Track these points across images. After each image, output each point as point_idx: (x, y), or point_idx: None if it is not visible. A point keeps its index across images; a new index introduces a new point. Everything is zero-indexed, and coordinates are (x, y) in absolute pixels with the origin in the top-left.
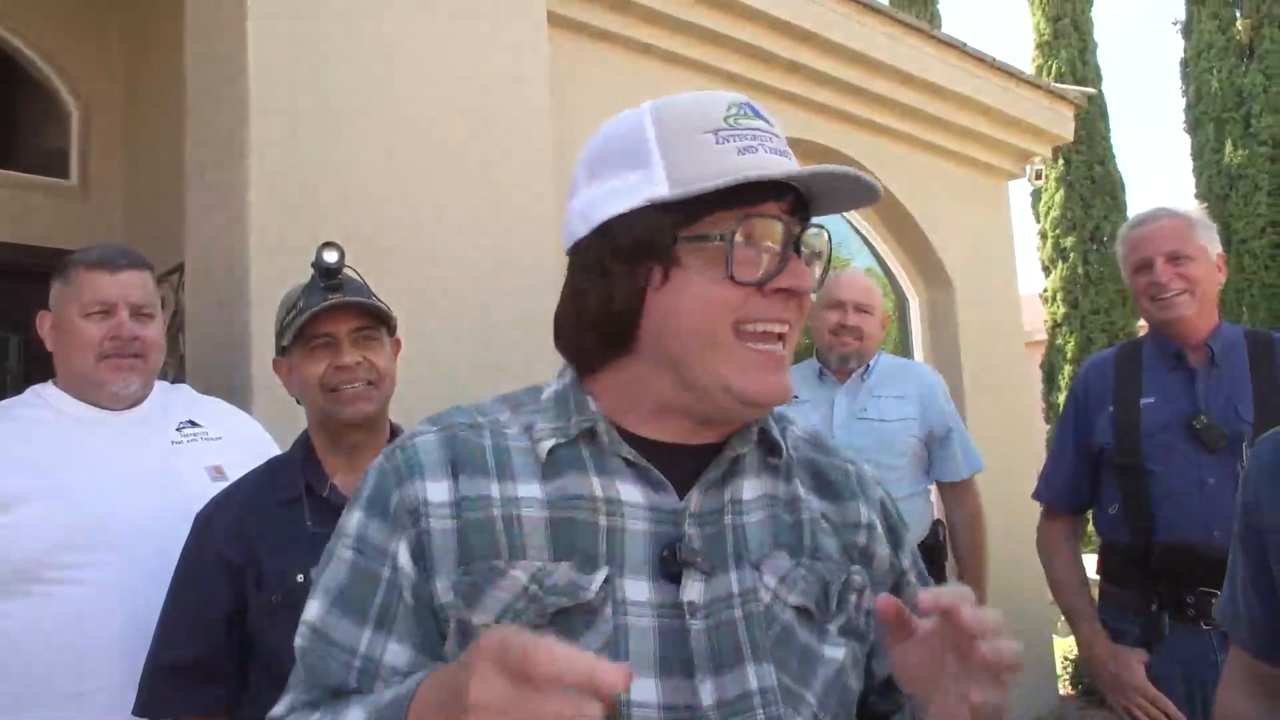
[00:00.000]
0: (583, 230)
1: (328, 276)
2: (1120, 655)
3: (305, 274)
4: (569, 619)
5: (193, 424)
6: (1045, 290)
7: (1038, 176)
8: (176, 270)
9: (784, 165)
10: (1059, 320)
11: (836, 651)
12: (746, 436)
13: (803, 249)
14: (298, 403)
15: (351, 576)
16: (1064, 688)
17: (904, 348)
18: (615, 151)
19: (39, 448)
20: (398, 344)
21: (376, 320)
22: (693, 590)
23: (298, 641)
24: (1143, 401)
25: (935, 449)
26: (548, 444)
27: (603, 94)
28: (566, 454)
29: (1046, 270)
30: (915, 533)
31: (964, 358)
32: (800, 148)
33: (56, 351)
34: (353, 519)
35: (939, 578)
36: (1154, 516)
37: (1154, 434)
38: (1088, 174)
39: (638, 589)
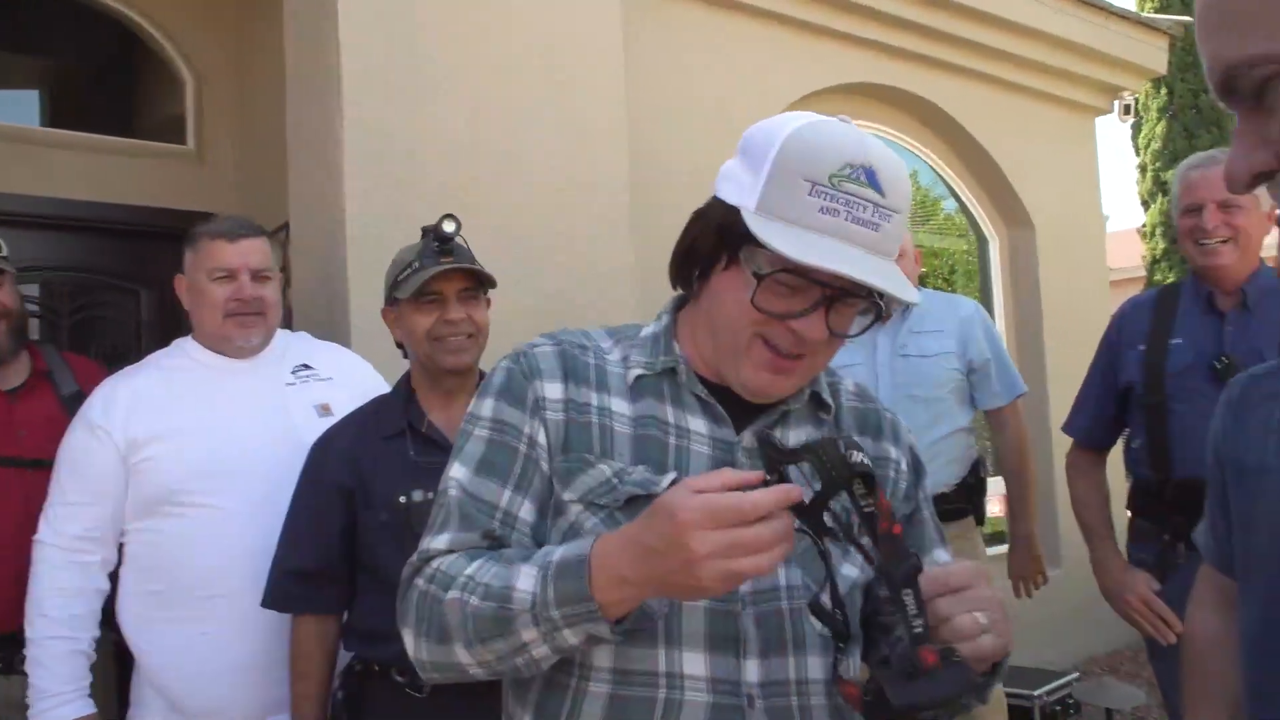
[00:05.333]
0: (718, 188)
1: (443, 242)
2: (1129, 570)
3: (397, 231)
4: (637, 508)
5: (306, 367)
6: (1144, 225)
7: (1126, 111)
8: (282, 229)
9: (837, 253)
10: (1158, 256)
11: (851, 570)
12: (799, 395)
13: (846, 302)
14: (398, 346)
15: (490, 449)
16: None
17: (984, 288)
18: (751, 148)
19: (177, 392)
20: (489, 303)
21: (479, 282)
22: None
23: (451, 492)
24: (1171, 342)
25: (975, 379)
26: (636, 372)
27: (674, 46)
28: (651, 384)
29: (1145, 204)
30: (957, 470)
31: (1044, 297)
32: (879, 93)
33: (191, 310)
34: (486, 405)
35: (978, 514)
36: (1172, 454)
37: (1178, 373)
38: (1192, 103)
39: None
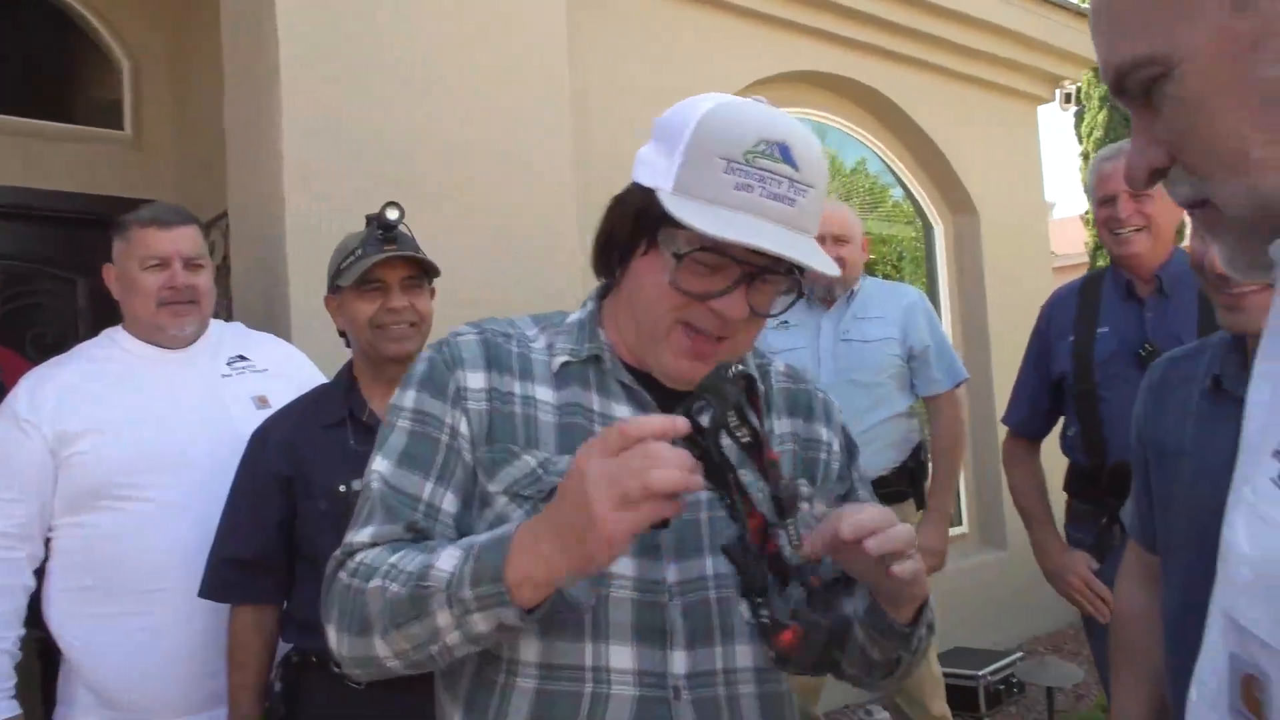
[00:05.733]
0: (635, 173)
1: (386, 230)
2: (1068, 551)
3: (337, 221)
4: None
5: (242, 358)
6: (1087, 212)
7: (1068, 100)
8: (223, 216)
9: (753, 229)
10: (1099, 243)
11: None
12: None
13: (765, 280)
14: (340, 335)
15: (411, 441)
16: None
17: (929, 274)
18: (665, 131)
19: (109, 384)
20: (433, 292)
21: (423, 271)
22: None
23: (374, 485)
24: (1098, 331)
25: (915, 365)
26: (561, 359)
27: (619, 33)
28: (576, 371)
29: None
30: (895, 454)
31: (988, 283)
32: (825, 81)
33: (122, 300)
34: (408, 396)
35: (919, 499)
36: (1106, 440)
37: (1106, 362)
38: None
39: None
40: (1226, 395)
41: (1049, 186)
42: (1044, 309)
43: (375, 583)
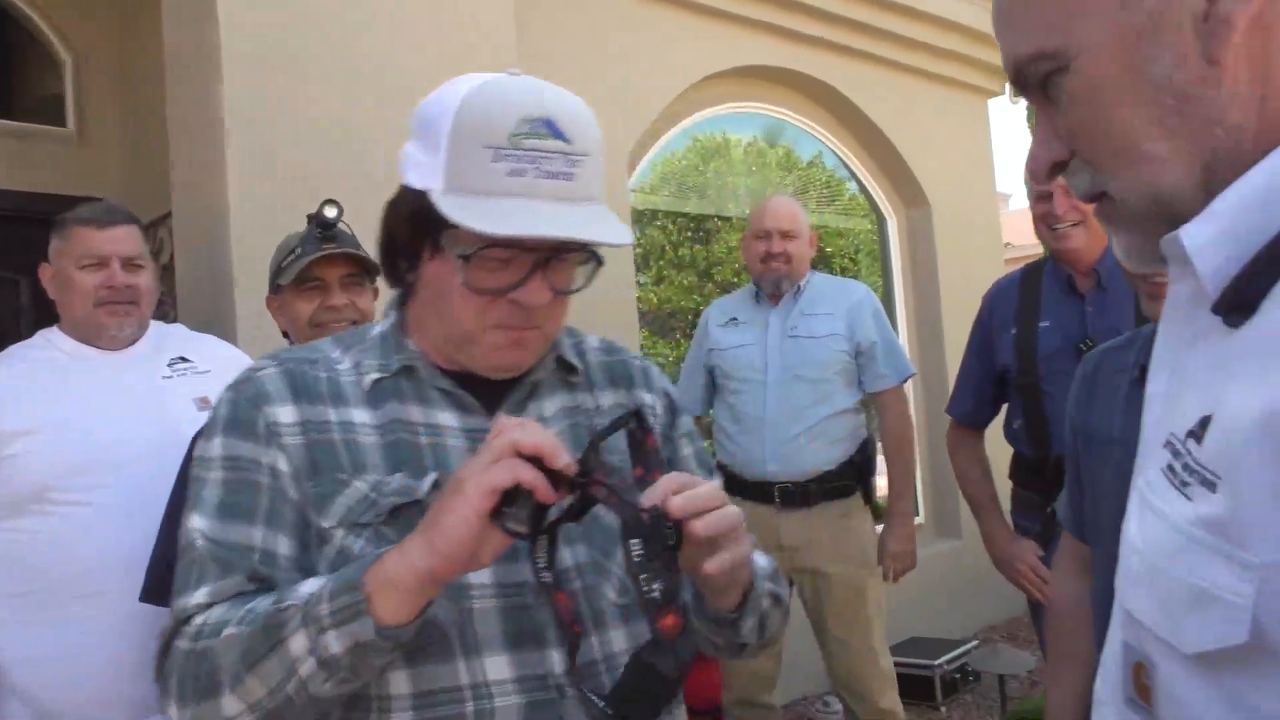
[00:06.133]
0: (402, 175)
1: (325, 228)
2: (1016, 539)
3: (282, 219)
4: (405, 516)
5: (184, 359)
6: None
7: (1017, 93)
8: (169, 215)
9: (532, 215)
10: None
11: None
12: (544, 363)
13: (561, 259)
14: (284, 335)
15: (229, 490)
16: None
17: (883, 266)
18: (424, 127)
19: (45, 385)
20: (376, 291)
21: (363, 269)
22: None
23: (199, 544)
24: (1040, 325)
25: (862, 361)
26: (372, 376)
27: (571, 27)
28: (390, 386)
29: None
30: (842, 449)
31: (941, 274)
32: (777, 76)
33: (58, 300)
34: (215, 445)
35: (866, 493)
36: (1051, 433)
37: (1049, 356)
38: None
39: None
40: None
41: (1006, 178)
42: (985, 299)
43: (229, 631)
